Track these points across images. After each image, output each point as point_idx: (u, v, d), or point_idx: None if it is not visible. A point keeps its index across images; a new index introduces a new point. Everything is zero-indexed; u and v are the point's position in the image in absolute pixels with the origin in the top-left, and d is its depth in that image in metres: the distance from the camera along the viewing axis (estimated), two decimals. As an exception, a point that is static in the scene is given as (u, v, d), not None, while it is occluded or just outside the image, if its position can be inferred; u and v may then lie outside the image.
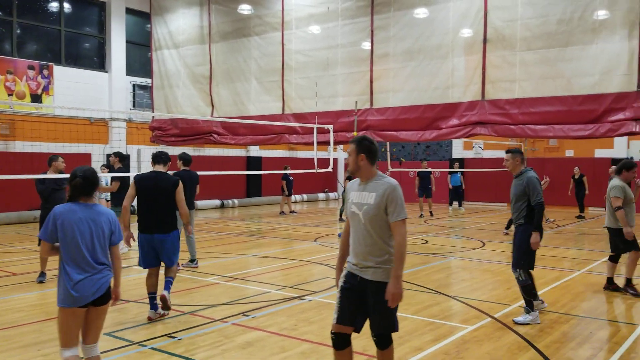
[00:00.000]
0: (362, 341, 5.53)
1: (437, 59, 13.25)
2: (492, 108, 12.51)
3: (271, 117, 15.69)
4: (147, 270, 6.54)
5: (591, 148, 21.06)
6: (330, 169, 14.03)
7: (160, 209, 6.29)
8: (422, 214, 18.21)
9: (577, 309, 6.93)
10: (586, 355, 5.22)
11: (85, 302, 3.84)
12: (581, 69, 11.44)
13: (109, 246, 4.03)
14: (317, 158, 14.25)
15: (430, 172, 18.59)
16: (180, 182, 6.48)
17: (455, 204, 21.87)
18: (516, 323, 6.15)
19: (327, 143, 13.68)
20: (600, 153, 20.94)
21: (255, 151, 24.37)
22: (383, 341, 3.96)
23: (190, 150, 20.69)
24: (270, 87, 16.06)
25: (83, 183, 3.94)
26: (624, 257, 7.75)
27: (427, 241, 12.82)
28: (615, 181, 7.49)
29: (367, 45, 14.30)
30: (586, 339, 5.72)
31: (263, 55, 16.18)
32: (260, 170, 23.40)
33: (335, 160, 25.85)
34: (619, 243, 7.53)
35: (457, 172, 21.27)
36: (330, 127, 13.72)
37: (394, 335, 3.98)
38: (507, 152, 6.48)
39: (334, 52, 14.85)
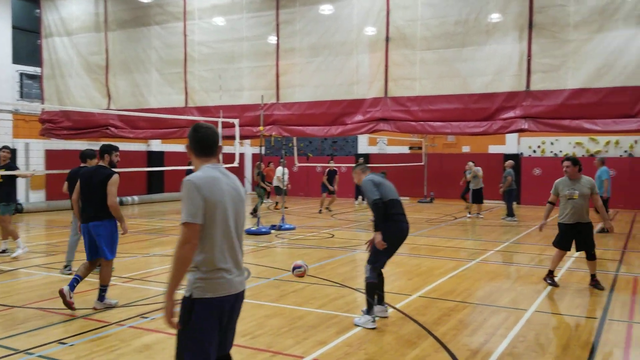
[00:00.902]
0: (267, 338, 5.45)
1: (342, 55, 13.43)
2: (395, 105, 12.89)
3: (173, 110, 15.16)
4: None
5: (485, 144, 22.34)
6: (236, 164, 13.76)
7: (95, 200, 6.46)
8: (320, 210, 18.40)
9: (472, 297, 7.28)
10: (480, 341, 5.47)
11: None
12: (476, 68, 12.05)
13: None
14: (223, 153, 13.92)
15: (335, 171, 18.80)
16: (114, 176, 6.48)
17: (360, 198, 22.34)
18: (355, 325, 5.89)
19: (233, 138, 13.42)
20: (493, 149, 22.26)
21: (157, 145, 23.47)
22: None
23: (86, 145, 19.53)
24: (172, 79, 15.50)
25: None
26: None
27: (333, 235, 12.96)
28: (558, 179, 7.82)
29: (273, 39, 14.18)
30: (480, 325, 6.00)
31: (164, 46, 15.58)
32: (163, 165, 22.59)
33: (241, 155, 25.53)
34: (559, 238, 7.74)
35: (361, 167, 21.72)
36: (236, 121, 13.46)
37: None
38: (353, 168, 6.57)
39: (239, 45, 14.59)
